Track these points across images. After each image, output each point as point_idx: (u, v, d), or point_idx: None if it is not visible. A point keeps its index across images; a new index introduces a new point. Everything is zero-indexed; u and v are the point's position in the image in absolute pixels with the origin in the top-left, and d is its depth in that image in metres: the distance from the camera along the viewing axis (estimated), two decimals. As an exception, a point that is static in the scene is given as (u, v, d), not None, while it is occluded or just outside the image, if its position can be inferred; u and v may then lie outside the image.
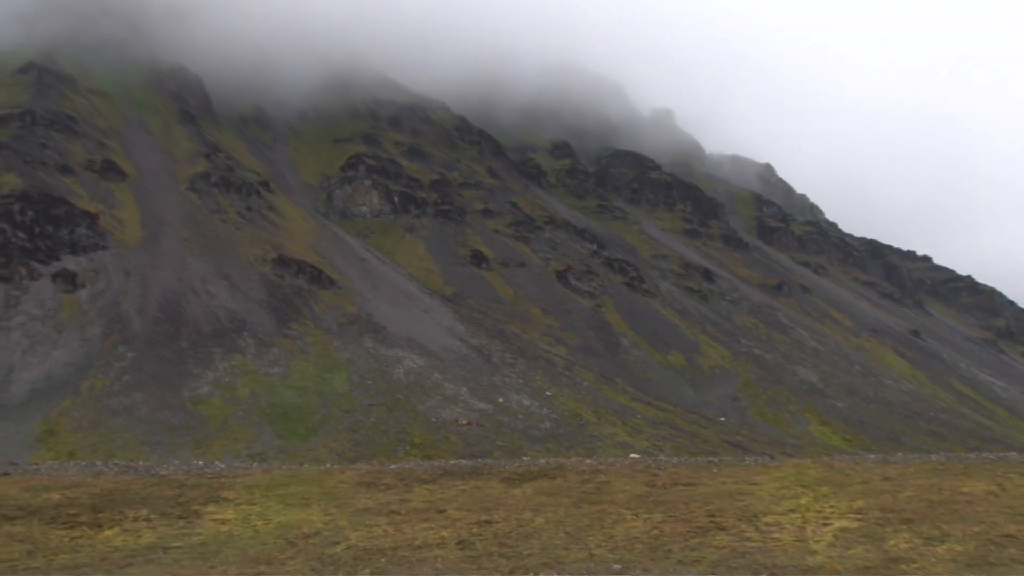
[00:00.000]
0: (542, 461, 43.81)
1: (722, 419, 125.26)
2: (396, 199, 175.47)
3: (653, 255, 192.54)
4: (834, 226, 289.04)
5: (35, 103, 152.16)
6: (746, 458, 72.69)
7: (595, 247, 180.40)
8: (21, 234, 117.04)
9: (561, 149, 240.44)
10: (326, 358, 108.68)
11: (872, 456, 42.97)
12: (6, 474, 38.69)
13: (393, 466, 43.99)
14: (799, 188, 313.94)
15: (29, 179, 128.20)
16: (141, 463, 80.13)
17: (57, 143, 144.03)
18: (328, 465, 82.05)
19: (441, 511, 29.66)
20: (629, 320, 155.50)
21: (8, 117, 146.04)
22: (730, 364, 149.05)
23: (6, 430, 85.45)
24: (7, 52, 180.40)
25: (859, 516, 26.13)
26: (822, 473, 33.06)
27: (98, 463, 79.36)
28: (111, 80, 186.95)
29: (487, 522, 28.01)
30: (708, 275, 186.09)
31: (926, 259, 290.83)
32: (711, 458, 59.16)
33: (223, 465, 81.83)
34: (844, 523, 25.51)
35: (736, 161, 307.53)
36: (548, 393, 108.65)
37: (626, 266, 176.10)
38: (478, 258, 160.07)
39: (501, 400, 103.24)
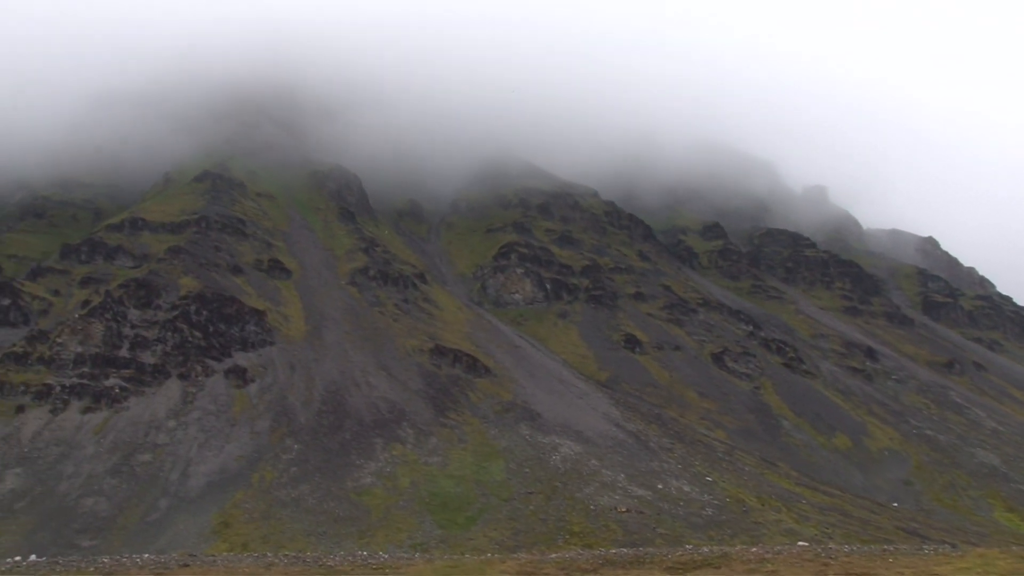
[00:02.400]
0: (705, 549, 42.74)
1: (895, 504, 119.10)
2: (548, 286, 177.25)
3: (812, 334, 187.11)
4: (1008, 299, 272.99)
5: (209, 208, 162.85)
6: (924, 547, 68.84)
7: (751, 328, 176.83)
8: (197, 333, 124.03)
9: (712, 230, 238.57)
10: (483, 446, 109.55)
11: (1066, 545, 40.05)
12: (186, 566, 40.48)
13: (553, 556, 43.87)
14: (966, 261, 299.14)
15: (204, 280, 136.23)
16: (309, 554, 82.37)
17: (228, 245, 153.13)
18: (489, 555, 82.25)
19: (606, 602, 29.31)
20: (789, 402, 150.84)
21: (186, 223, 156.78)
22: (900, 446, 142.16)
23: (185, 522, 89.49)
24: (185, 164, 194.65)
25: (1056, 611, 24.38)
26: (1012, 564, 31.08)
27: (269, 555, 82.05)
28: (276, 183, 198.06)
29: (653, 614, 27.48)
30: (871, 354, 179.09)
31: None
32: (885, 546, 56.44)
33: (386, 556, 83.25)
34: (1039, 618, 23.83)
35: (895, 235, 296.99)
36: (708, 478, 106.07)
37: (784, 346, 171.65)
38: (632, 342, 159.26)
39: (660, 486, 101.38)
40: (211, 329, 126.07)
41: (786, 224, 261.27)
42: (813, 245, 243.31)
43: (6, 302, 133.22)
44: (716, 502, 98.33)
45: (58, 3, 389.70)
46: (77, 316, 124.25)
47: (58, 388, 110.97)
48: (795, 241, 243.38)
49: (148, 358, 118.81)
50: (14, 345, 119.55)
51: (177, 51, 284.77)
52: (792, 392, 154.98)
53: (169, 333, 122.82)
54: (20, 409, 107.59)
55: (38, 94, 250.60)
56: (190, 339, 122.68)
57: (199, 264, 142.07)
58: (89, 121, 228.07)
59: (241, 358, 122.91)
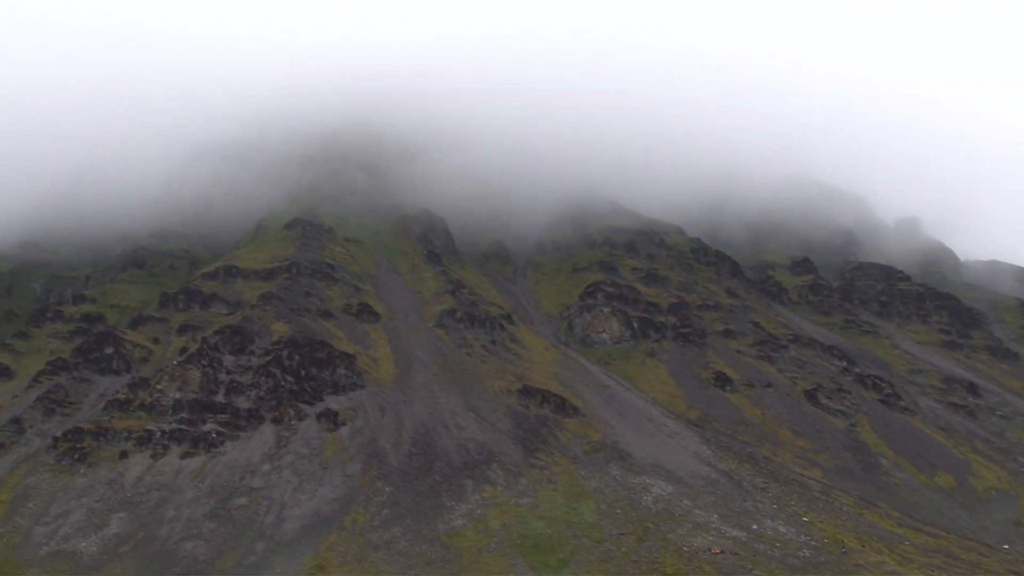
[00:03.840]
0: (805, 592, 41.73)
1: (1005, 546, 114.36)
2: (635, 325, 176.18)
3: (909, 370, 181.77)
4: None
5: (300, 255, 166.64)
6: (1037, 590, 65.71)
7: (844, 364, 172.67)
8: (290, 377, 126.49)
9: (802, 265, 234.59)
10: (574, 487, 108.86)
11: None
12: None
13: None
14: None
15: (295, 325, 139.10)
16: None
17: (318, 290, 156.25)
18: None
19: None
20: (887, 439, 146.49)
21: (277, 270, 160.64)
22: (1008, 485, 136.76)
23: (280, 565, 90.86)
24: (276, 211, 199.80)
25: None
26: None
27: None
28: (363, 227, 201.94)
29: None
30: (973, 389, 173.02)
31: None
32: (995, 589, 54.34)
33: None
34: None
35: (994, 266, 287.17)
36: (805, 519, 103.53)
37: (880, 382, 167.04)
38: (722, 380, 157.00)
39: (755, 527, 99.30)
40: (303, 373, 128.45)
41: (877, 257, 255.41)
42: (907, 278, 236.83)
43: (110, 350, 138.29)
44: (813, 543, 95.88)
45: (152, 68, 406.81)
46: (175, 363, 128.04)
47: (158, 434, 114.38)
48: (888, 274, 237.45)
49: (243, 403, 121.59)
50: (117, 392, 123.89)
51: (263, 103, 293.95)
52: (890, 429, 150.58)
53: (263, 378, 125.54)
54: (123, 455, 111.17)
55: (136, 151, 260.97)
56: (283, 384, 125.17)
57: (290, 310, 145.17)
58: (184, 174, 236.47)
59: (332, 402, 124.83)
